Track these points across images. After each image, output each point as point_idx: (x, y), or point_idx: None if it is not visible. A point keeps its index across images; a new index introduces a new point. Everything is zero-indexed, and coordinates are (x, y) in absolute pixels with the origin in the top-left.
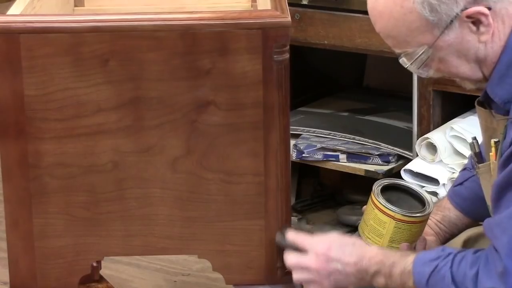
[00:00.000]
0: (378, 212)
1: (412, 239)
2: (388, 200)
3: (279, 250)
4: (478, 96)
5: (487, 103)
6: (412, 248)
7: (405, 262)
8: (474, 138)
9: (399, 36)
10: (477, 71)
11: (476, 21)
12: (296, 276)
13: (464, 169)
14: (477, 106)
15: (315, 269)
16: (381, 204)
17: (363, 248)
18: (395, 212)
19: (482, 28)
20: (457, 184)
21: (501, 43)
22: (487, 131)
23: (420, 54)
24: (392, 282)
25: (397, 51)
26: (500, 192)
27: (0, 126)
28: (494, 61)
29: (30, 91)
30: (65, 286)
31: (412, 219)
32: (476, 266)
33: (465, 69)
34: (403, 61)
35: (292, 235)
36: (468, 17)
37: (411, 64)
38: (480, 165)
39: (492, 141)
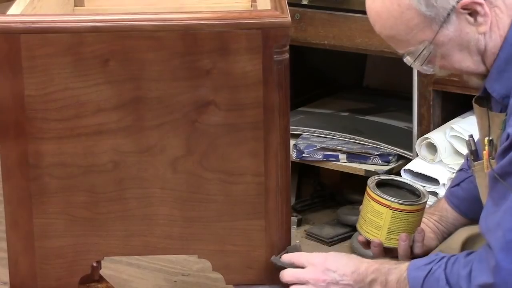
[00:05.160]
0: (374, 204)
1: (409, 229)
2: (384, 193)
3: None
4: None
5: (486, 99)
6: (411, 239)
7: (400, 268)
8: (471, 136)
9: (399, 34)
10: (480, 63)
11: (472, 12)
12: None
13: (460, 169)
14: (474, 104)
15: (313, 280)
16: (377, 195)
17: (358, 259)
18: (391, 201)
19: (479, 19)
20: (454, 185)
21: (501, 32)
22: (482, 129)
23: (422, 51)
24: None
25: (400, 51)
26: (493, 182)
27: (0, 126)
28: (494, 51)
29: (30, 91)
30: (65, 286)
31: (408, 207)
32: (469, 266)
33: (468, 63)
34: (407, 59)
35: (287, 256)
36: (464, 8)
37: (414, 61)
38: (475, 163)
39: (486, 139)
